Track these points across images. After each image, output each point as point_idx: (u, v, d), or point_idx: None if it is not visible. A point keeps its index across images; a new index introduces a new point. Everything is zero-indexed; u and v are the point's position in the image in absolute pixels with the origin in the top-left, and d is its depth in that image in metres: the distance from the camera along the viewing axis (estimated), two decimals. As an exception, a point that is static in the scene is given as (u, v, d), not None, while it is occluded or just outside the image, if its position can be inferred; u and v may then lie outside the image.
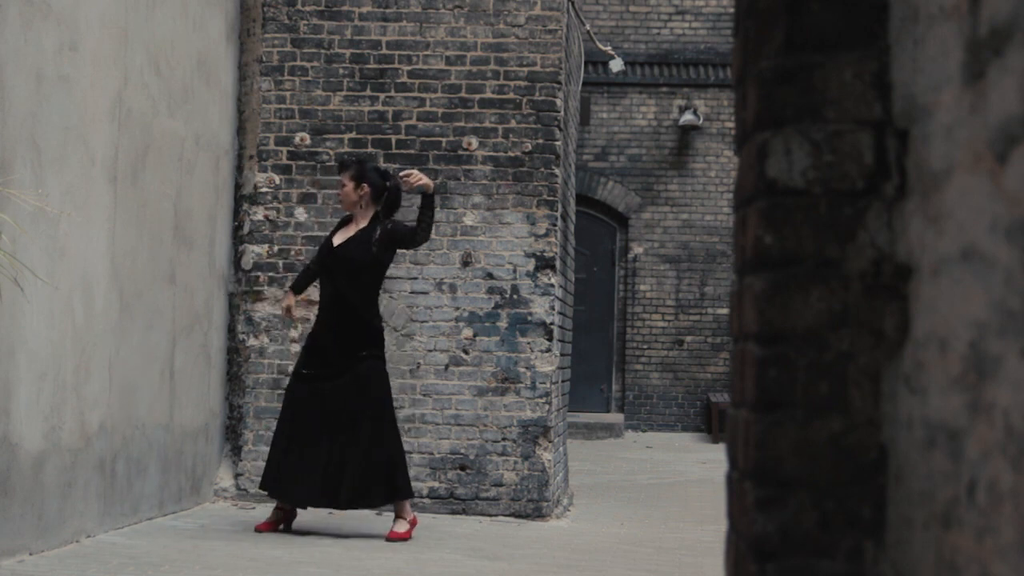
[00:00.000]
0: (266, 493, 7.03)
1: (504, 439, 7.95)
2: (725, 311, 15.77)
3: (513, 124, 8.11)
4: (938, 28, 1.52)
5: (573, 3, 8.96)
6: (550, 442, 7.98)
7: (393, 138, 8.15)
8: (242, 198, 8.23)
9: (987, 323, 1.34)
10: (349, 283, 6.83)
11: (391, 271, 7.43)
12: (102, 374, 6.41)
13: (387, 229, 6.89)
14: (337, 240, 6.97)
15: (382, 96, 8.17)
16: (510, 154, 8.10)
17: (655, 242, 16.03)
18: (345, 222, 7.11)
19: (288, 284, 8.07)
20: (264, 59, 8.23)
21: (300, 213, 8.14)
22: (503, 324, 8.02)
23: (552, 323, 8.04)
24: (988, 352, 1.33)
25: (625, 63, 14.68)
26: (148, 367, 6.99)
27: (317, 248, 7.35)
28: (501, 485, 7.91)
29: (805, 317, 1.74)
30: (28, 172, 5.63)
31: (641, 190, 16.05)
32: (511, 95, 8.11)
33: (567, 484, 9.24)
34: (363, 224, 6.94)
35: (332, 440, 6.74)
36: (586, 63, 10.89)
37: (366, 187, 6.94)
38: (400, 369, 7.95)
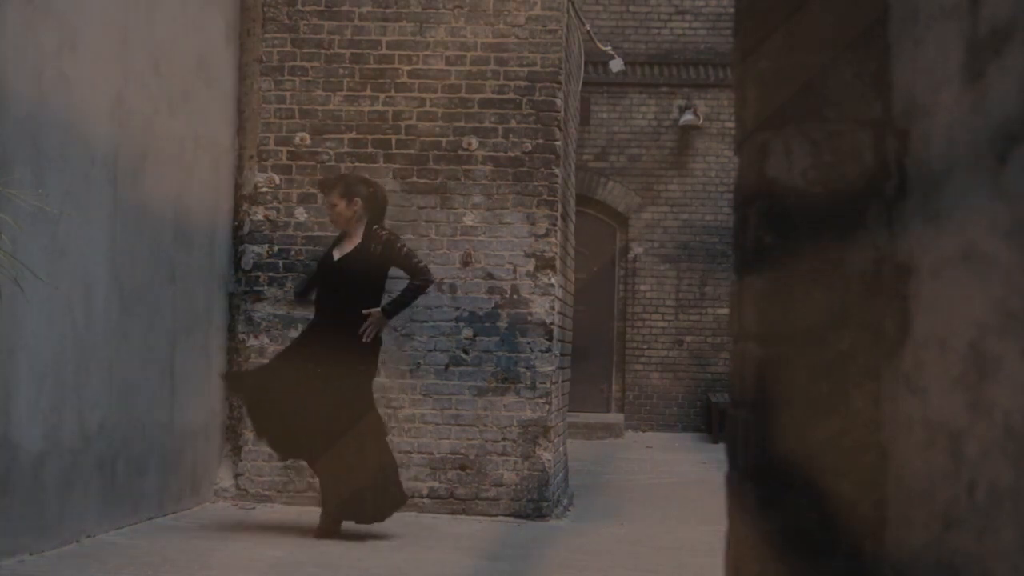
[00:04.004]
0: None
1: (504, 439, 7.94)
2: (725, 311, 15.76)
3: (513, 124, 8.10)
4: (938, 28, 1.52)
5: (573, 3, 8.95)
6: (550, 442, 7.97)
7: (393, 138, 8.14)
8: (242, 198, 8.22)
9: (987, 323, 1.34)
10: (351, 298, 6.80)
11: (392, 271, 7.41)
12: (102, 374, 6.41)
13: (386, 252, 6.84)
14: (336, 255, 6.93)
15: (382, 96, 8.16)
16: (510, 154, 8.09)
17: (655, 242, 16.03)
18: (341, 238, 7.04)
19: (289, 285, 8.07)
20: (264, 59, 8.22)
21: (300, 213, 8.13)
22: (503, 324, 8.01)
23: (552, 323, 8.03)
24: (988, 352, 1.33)
25: (625, 63, 14.67)
26: (148, 367, 6.98)
27: (318, 259, 7.23)
28: (501, 485, 7.91)
29: (805, 317, 1.74)
30: (28, 172, 5.62)
31: (641, 190, 16.04)
32: (511, 95, 8.11)
33: (567, 484, 9.23)
34: (358, 239, 6.91)
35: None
36: (586, 63, 10.89)
37: (358, 201, 6.93)
38: (400, 369, 7.94)
